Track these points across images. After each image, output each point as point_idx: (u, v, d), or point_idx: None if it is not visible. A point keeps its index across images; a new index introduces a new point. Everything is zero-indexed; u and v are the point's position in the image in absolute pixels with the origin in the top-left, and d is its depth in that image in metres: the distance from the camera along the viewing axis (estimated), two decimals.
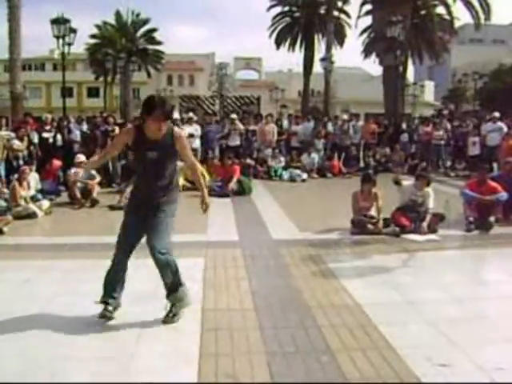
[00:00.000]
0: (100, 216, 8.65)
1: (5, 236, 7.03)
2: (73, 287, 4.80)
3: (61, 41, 18.94)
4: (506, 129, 13.71)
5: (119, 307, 4.00)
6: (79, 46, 40.23)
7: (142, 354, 3.45)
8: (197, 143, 13.61)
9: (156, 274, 4.08)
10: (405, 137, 16.35)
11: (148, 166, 3.89)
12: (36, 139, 11.88)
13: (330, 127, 16.18)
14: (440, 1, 28.66)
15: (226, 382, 3.11)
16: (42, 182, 9.86)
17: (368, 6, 28.66)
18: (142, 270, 4.31)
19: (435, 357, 3.36)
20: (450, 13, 28.56)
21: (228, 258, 5.88)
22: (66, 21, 18.86)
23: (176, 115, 15.48)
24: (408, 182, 7.69)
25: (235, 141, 14.57)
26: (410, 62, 31.50)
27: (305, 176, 13.73)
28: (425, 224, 6.99)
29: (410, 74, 47.02)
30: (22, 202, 8.43)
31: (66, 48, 19.43)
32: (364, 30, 31.95)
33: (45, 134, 12.29)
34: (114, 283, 3.98)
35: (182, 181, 11.38)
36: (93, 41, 41.18)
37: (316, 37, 35.07)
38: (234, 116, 15.62)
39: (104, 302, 3.93)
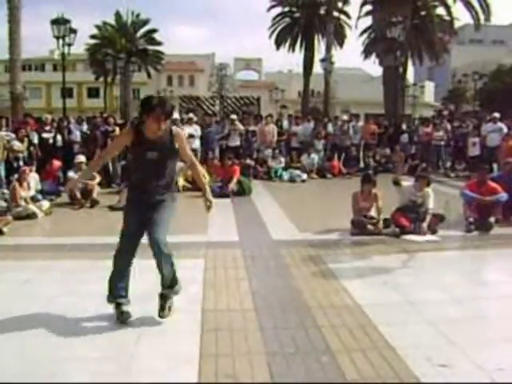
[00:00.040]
0: (100, 216, 8.65)
1: (5, 236, 7.03)
2: (73, 287, 4.80)
3: (61, 41, 18.95)
4: (506, 129, 13.72)
5: (129, 303, 4.07)
6: (79, 46, 40.31)
7: (142, 354, 3.46)
8: (197, 144, 13.60)
9: (155, 274, 4.09)
10: (405, 137, 16.35)
11: (148, 166, 3.89)
12: (36, 140, 11.89)
13: (329, 128, 16.20)
14: (440, 1, 28.66)
15: (227, 382, 3.11)
16: (42, 182, 9.87)
17: (368, 7, 28.66)
18: (141, 271, 4.30)
19: (435, 357, 3.37)
20: (449, 13, 28.57)
21: (228, 258, 5.87)
22: (66, 21, 18.87)
23: (176, 116, 15.51)
24: (408, 182, 7.69)
25: (235, 141, 14.58)
26: (409, 62, 31.50)
27: (305, 176, 13.73)
28: (425, 225, 6.99)
29: (410, 75, 47.03)
30: (22, 203, 8.44)
31: (66, 48, 19.44)
32: (364, 31, 31.99)
33: (45, 135, 12.30)
34: (122, 283, 4.03)
35: (181, 181, 11.41)
36: (93, 41, 41.23)
37: (316, 37, 35.04)
38: (233, 116, 15.62)
39: (118, 303, 4.00)
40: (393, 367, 3.25)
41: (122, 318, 3.96)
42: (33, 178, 9.23)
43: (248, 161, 14.04)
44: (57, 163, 11.28)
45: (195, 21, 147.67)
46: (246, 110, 20.93)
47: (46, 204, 8.88)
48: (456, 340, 3.65)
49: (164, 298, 3.99)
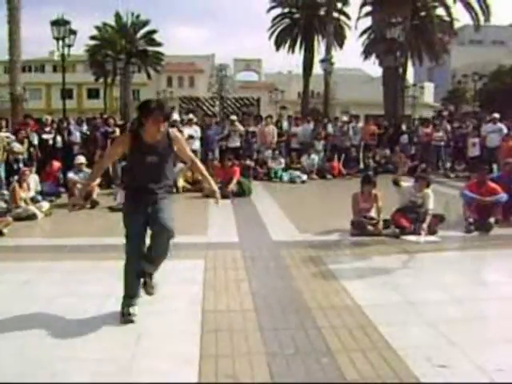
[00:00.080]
0: (100, 217, 8.65)
1: (5, 237, 7.03)
2: (73, 288, 4.80)
3: (61, 42, 18.97)
4: (505, 130, 13.72)
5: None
6: (79, 47, 40.37)
7: (142, 355, 3.46)
8: (196, 145, 13.59)
9: (156, 275, 4.10)
10: (405, 138, 16.34)
11: (147, 170, 3.89)
12: (36, 141, 11.89)
13: (329, 129, 16.19)
14: (440, 2, 28.68)
15: (227, 383, 3.11)
16: (42, 183, 9.87)
17: (368, 8, 28.64)
18: None
19: (435, 357, 3.37)
20: (449, 14, 28.57)
21: (228, 259, 5.88)
22: (66, 22, 18.89)
23: (176, 117, 15.51)
24: (407, 183, 7.70)
25: (235, 142, 14.58)
26: (409, 63, 31.51)
27: (305, 177, 13.73)
28: (425, 225, 6.98)
29: (410, 76, 47.13)
30: (22, 204, 8.44)
31: (66, 49, 19.43)
32: (364, 32, 32.02)
33: (45, 136, 12.30)
34: (134, 281, 4.06)
35: (181, 182, 11.42)
36: (93, 42, 41.24)
37: (316, 38, 35.07)
38: (233, 117, 15.62)
39: (131, 305, 4.04)
40: (393, 368, 3.25)
41: (125, 319, 3.97)
42: (33, 179, 9.24)
43: (248, 162, 14.04)
44: (57, 164, 11.28)
45: (195, 22, 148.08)
46: (246, 111, 20.93)
47: (45, 205, 8.89)
48: (456, 340, 3.65)
49: (148, 277, 4.05)
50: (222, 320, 4.04)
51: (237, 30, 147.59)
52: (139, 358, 3.40)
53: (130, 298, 4.07)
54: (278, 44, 36.87)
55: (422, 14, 28.75)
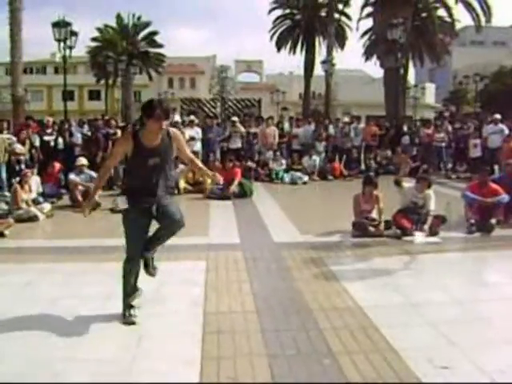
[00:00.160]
0: (101, 219, 8.64)
1: (6, 239, 7.04)
2: (74, 290, 4.81)
3: (62, 44, 18.98)
4: (507, 131, 13.69)
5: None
6: (80, 48, 40.23)
7: (143, 356, 3.46)
8: (198, 146, 13.61)
9: (155, 278, 4.12)
10: (406, 139, 16.32)
11: (149, 172, 3.90)
12: (37, 142, 11.91)
13: (331, 130, 16.18)
14: (441, 3, 28.69)
15: (228, 383, 3.12)
16: (44, 185, 9.87)
17: (369, 9, 28.64)
18: (141, 274, 4.30)
19: (436, 358, 3.37)
20: (450, 15, 28.58)
21: (229, 260, 5.88)
22: (67, 24, 18.91)
23: (177, 118, 15.54)
24: (409, 184, 7.69)
25: (236, 143, 14.59)
26: (410, 64, 31.56)
27: (306, 178, 13.73)
28: (426, 226, 6.98)
29: (411, 77, 47.06)
30: (24, 205, 8.45)
31: (68, 51, 19.45)
32: (365, 33, 32.04)
33: (46, 137, 12.31)
34: (134, 282, 4.10)
35: (183, 183, 11.43)
36: (94, 44, 41.21)
37: (317, 39, 35.05)
38: (235, 119, 15.65)
39: (132, 306, 4.06)
40: (394, 369, 3.25)
41: (127, 320, 3.99)
42: (34, 181, 9.24)
43: (249, 163, 14.06)
44: (58, 166, 11.27)
45: (196, 23, 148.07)
46: (247, 112, 20.99)
47: (47, 206, 8.90)
48: (457, 341, 3.65)
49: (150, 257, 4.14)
50: (224, 321, 4.05)
51: (238, 31, 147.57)
52: (140, 360, 3.40)
53: (130, 298, 4.06)
54: (279, 45, 36.87)
55: (424, 14, 28.78)
